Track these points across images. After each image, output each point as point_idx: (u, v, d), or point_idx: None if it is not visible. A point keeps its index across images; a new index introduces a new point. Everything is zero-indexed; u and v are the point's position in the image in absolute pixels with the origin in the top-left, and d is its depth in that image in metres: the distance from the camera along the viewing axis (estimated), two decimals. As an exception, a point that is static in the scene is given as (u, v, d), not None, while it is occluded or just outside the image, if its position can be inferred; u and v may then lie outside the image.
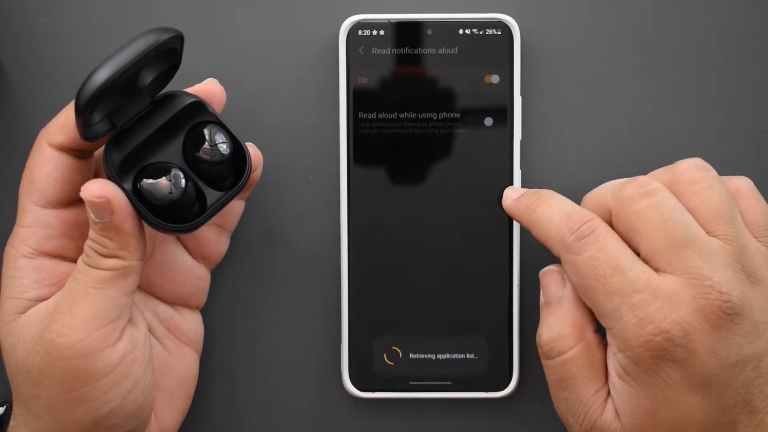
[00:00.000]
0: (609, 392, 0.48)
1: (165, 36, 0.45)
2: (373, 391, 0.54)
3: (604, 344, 0.49)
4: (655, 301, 0.45)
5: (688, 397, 0.46)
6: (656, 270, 0.47)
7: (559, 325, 0.49)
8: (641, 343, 0.46)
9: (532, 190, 0.51)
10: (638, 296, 0.46)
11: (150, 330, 0.51)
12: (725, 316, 0.45)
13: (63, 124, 0.48)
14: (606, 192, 0.49)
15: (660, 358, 0.45)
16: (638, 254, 0.47)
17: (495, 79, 0.53)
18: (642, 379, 0.46)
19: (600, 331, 0.49)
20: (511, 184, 0.53)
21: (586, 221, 0.48)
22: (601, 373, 0.48)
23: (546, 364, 0.50)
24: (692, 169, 0.48)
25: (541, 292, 0.51)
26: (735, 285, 0.46)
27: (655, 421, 0.46)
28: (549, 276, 0.50)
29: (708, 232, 0.47)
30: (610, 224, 0.48)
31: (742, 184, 0.49)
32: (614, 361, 0.47)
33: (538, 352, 0.50)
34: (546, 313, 0.50)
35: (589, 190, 0.50)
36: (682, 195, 0.48)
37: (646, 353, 0.46)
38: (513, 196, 0.52)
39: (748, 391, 0.46)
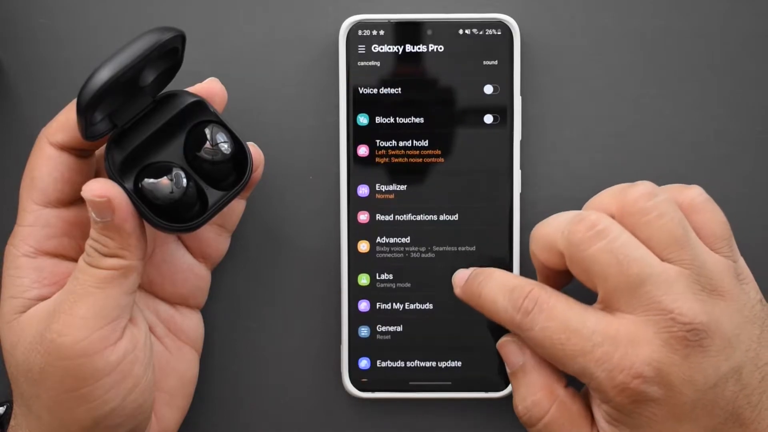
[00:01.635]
0: None
1: (167, 36, 0.45)
2: (373, 391, 0.54)
3: (579, 394, 0.49)
4: (617, 349, 0.45)
5: (678, 427, 0.46)
6: (616, 311, 0.46)
7: (529, 392, 0.49)
8: (617, 393, 0.46)
9: (475, 271, 0.51)
10: (600, 350, 0.46)
11: (150, 329, 0.51)
12: (692, 342, 0.45)
13: (64, 123, 0.48)
14: (555, 233, 0.48)
15: (639, 401, 0.46)
16: (596, 293, 0.47)
17: (495, 79, 0.53)
18: (629, 422, 0.46)
19: (571, 383, 0.49)
20: (511, 184, 0.53)
21: (527, 294, 0.48)
22: (585, 422, 0.49)
23: None
24: (642, 199, 0.47)
25: (505, 364, 0.51)
26: (698, 309, 0.45)
27: None
28: (506, 347, 0.51)
29: (663, 260, 0.46)
30: (564, 264, 0.48)
31: (696, 196, 0.49)
32: (600, 410, 0.48)
33: (521, 422, 0.50)
34: (515, 383, 0.50)
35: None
36: (635, 227, 0.47)
37: (625, 400, 0.46)
38: (460, 282, 0.52)
39: (735, 405, 0.46)
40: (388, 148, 0.53)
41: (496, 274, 0.50)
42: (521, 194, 0.54)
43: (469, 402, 0.55)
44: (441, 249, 0.54)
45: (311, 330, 0.55)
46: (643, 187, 0.47)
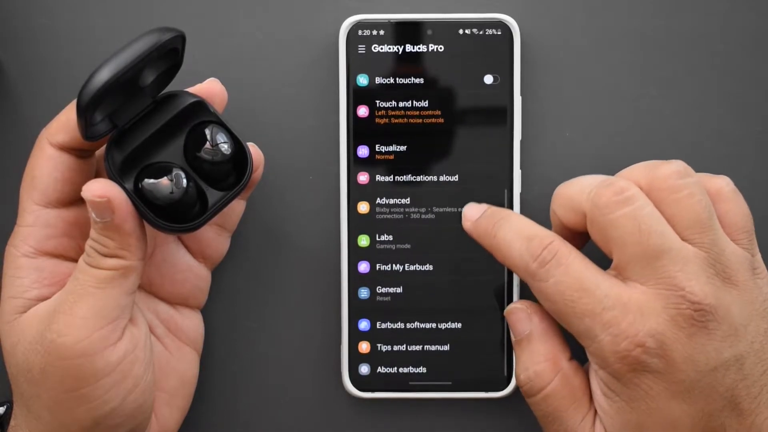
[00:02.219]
0: (596, 414, 0.48)
1: (167, 36, 0.45)
2: (373, 391, 0.54)
3: (583, 369, 0.49)
4: (626, 315, 0.46)
5: (672, 406, 0.46)
6: (628, 279, 0.46)
7: (532, 361, 0.49)
8: (618, 359, 0.46)
9: (491, 209, 0.51)
10: (609, 314, 0.46)
11: (150, 329, 0.51)
12: (698, 323, 0.45)
13: (64, 123, 0.48)
14: (581, 194, 0.48)
15: (639, 371, 0.46)
16: (611, 259, 0.47)
17: (495, 79, 0.53)
18: (625, 393, 0.46)
19: (575, 356, 0.49)
20: (511, 184, 0.53)
21: (547, 245, 0.47)
22: (585, 397, 0.49)
23: (530, 402, 0.50)
24: (673, 176, 0.47)
25: (510, 332, 0.51)
26: (708, 291, 0.45)
27: None
28: (514, 314, 0.51)
29: (684, 239, 0.46)
30: (584, 226, 0.48)
31: (724, 185, 0.49)
32: (596, 379, 0.48)
33: (521, 391, 0.50)
34: (519, 351, 0.50)
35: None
36: (661, 202, 0.47)
37: (624, 368, 0.46)
38: (472, 216, 0.51)
39: (734, 394, 0.46)
40: (389, 147, 0.53)
41: (515, 218, 0.50)
42: (521, 194, 0.53)
43: (469, 402, 0.55)
44: (441, 249, 0.54)
45: (311, 330, 0.55)
46: (677, 165, 0.47)
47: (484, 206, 0.52)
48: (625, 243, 0.46)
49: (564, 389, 0.49)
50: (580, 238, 0.50)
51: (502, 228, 0.49)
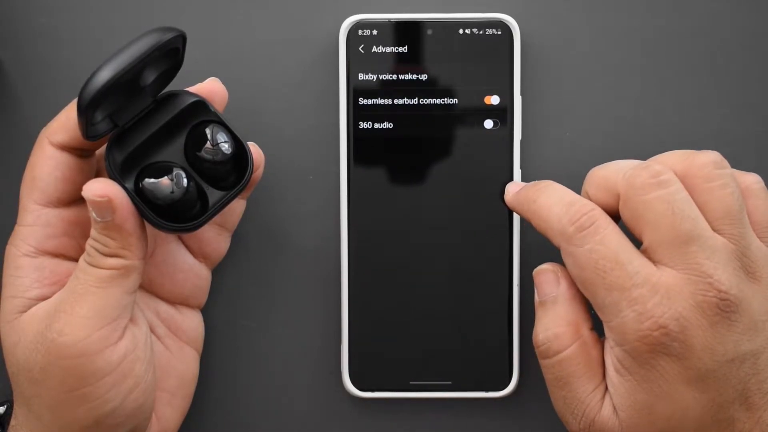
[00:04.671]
0: (606, 389, 0.48)
1: (167, 36, 0.45)
2: (373, 391, 0.54)
3: (601, 341, 0.49)
4: (654, 296, 0.46)
5: (685, 392, 0.46)
6: (657, 262, 0.47)
7: (554, 324, 0.49)
8: (639, 337, 0.46)
9: (531, 183, 0.51)
10: (638, 291, 0.46)
11: (151, 329, 0.51)
12: (722, 313, 0.45)
13: (64, 123, 0.48)
14: (616, 174, 0.48)
15: (657, 352, 0.46)
16: (641, 242, 0.47)
17: (495, 79, 0.53)
18: (639, 373, 0.46)
19: (596, 328, 0.49)
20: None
21: (587, 212, 0.47)
22: (599, 370, 0.49)
23: (543, 363, 0.50)
24: (710, 165, 0.47)
25: (536, 291, 0.51)
26: (734, 283, 0.46)
27: (653, 416, 0.46)
28: (543, 275, 0.51)
29: (714, 229, 0.47)
30: (616, 206, 0.48)
31: (754, 182, 0.49)
32: (611, 355, 0.48)
33: (536, 352, 0.50)
34: (541, 312, 0.50)
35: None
36: (695, 190, 0.47)
37: (643, 347, 0.46)
38: (514, 189, 0.52)
39: (746, 387, 0.46)
40: (388, 147, 0.53)
41: (557, 185, 0.50)
42: (521, 194, 0.54)
43: (469, 402, 0.55)
44: (441, 249, 0.53)
45: (311, 330, 0.55)
46: (714, 155, 0.48)
47: (522, 183, 0.52)
48: (657, 225, 0.46)
49: (580, 356, 0.49)
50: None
51: (543, 194, 0.49)
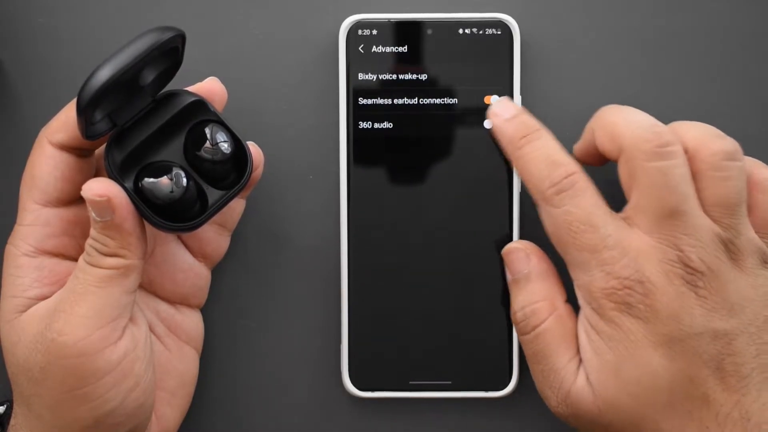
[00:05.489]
0: (581, 361, 0.49)
1: (167, 35, 0.45)
2: (373, 391, 0.54)
3: (575, 314, 0.50)
4: (623, 258, 0.47)
5: (651, 355, 0.46)
6: (635, 226, 0.47)
7: (530, 300, 0.50)
8: (605, 294, 0.47)
9: (523, 116, 0.51)
10: (608, 252, 0.47)
11: (151, 329, 0.51)
12: (687, 285, 0.46)
13: (64, 122, 0.48)
14: (626, 128, 0.48)
15: (622, 311, 0.46)
16: (628, 199, 0.48)
17: (495, 79, 0.53)
18: (605, 332, 0.47)
19: (570, 301, 0.50)
20: (511, 184, 0.53)
21: (569, 174, 0.48)
22: (573, 341, 0.49)
23: (522, 339, 0.51)
24: (720, 155, 0.48)
25: (507, 270, 0.52)
26: (708, 261, 0.46)
27: (621, 378, 0.47)
28: (513, 254, 0.52)
29: (705, 212, 0.47)
30: (615, 155, 0.48)
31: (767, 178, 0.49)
32: (582, 317, 0.48)
33: (515, 329, 0.51)
34: (515, 290, 0.51)
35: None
36: (699, 173, 0.48)
37: (608, 304, 0.47)
38: (503, 114, 0.51)
39: (720, 366, 0.46)
40: (388, 147, 0.53)
41: (546, 137, 0.50)
42: (521, 194, 0.53)
43: (469, 402, 0.55)
44: (441, 249, 0.54)
45: (311, 330, 0.55)
46: (729, 145, 0.48)
47: (513, 107, 0.51)
48: (648, 193, 0.47)
49: (556, 329, 0.49)
50: (599, 161, 0.51)
51: (531, 143, 0.50)
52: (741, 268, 0.47)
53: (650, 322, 0.46)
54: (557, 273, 0.51)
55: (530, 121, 0.50)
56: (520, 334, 0.51)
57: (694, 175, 0.48)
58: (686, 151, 0.48)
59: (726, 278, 0.47)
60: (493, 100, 0.53)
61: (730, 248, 0.47)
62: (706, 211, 0.47)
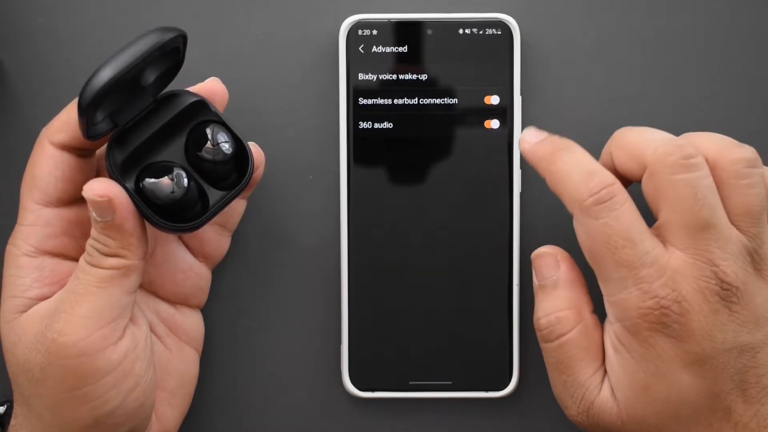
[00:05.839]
0: (606, 373, 0.48)
1: (168, 35, 0.45)
2: (373, 391, 0.54)
3: (601, 325, 0.49)
4: (660, 276, 0.46)
5: (681, 374, 0.46)
6: (667, 242, 0.47)
7: (556, 307, 0.49)
8: (640, 314, 0.46)
9: (552, 136, 0.50)
10: (646, 270, 0.46)
11: (151, 329, 0.51)
12: (723, 301, 0.46)
13: (65, 122, 0.48)
14: (647, 145, 0.48)
15: (656, 330, 0.46)
16: (657, 217, 0.47)
17: (495, 79, 0.53)
18: (637, 351, 0.47)
19: (597, 311, 0.49)
20: (511, 184, 0.53)
21: (607, 185, 0.47)
22: (599, 353, 0.49)
23: (545, 347, 0.50)
24: (743, 162, 0.47)
25: (534, 275, 0.51)
26: (740, 275, 0.46)
27: (649, 396, 0.47)
28: (542, 258, 0.51)
29: (731, 222, 0.47)
30: (639, 175, 0.48)
31: None
32: (610, 332, 0.48)
33: (537, 335, 0.50)
34: (541, 295, 0.50)
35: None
36: (722, 182, 0.47)
37: (643, 324, 0.46)
38: (532, 140, 0.50)
39: (743, 379, 0.46)
40: (388, 147, 0.53)
41: (579, 150, 0.49)
42: (521, 194, 0.54)
43: (469, 402, 0.55)
44: (441, 249, 0.54)
45: (311, 330, 0.55)
46: (749, 152, 0.48)
47: (542, 132, 0.50)
48: (677, 207, 0.46)
49: (582, 340, 0.49)
50: (624, 185, 0.49)
51: (563, 156, 0.49)
52: (765, 278, 0.47)
53: (683, 341, 0.46)
54: (585, 282, 0.50)
55: (560, 138, 0.50)
56: (542, 341, 0.50)
57: (718, 184, 0.47)
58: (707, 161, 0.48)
59: (753, 290, 0.46)
60: (522, 131, 0.51)
61: (755, 258, 0.47)
62: (732, 222, 0.47)
